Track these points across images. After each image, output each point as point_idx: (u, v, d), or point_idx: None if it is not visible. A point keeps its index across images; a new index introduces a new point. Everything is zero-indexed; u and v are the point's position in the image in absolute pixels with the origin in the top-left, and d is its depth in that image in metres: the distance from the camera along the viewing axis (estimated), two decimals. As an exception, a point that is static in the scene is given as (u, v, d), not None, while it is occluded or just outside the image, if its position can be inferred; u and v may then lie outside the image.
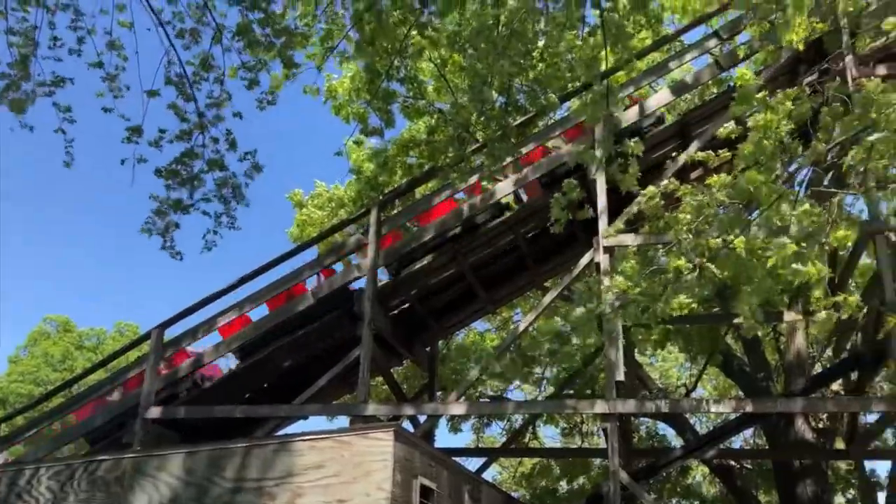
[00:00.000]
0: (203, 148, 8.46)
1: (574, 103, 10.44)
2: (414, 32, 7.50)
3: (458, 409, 10.95)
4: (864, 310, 9.83)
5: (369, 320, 11.13)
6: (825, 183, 11.06)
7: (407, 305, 13.49)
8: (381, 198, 12.96)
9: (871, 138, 4.90)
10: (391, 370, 14.33)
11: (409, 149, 17.08)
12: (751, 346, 15.48)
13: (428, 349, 14.64)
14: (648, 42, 14.72)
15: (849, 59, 9.63)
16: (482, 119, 12.01)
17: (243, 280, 12.06)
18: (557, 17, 9.90)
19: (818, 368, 16.84)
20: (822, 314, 5.32)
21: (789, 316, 11.86)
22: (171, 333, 12.46)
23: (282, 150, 66.32)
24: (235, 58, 8.20)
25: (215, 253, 12.02)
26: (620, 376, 9.73)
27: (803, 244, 5.19)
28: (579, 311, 7.88)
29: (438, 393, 14.95)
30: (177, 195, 8.53)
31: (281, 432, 13.74)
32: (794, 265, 5.11)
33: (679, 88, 11.72)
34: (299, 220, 18.88)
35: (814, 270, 5.16)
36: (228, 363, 13.89)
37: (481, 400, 19.55)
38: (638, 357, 19.65)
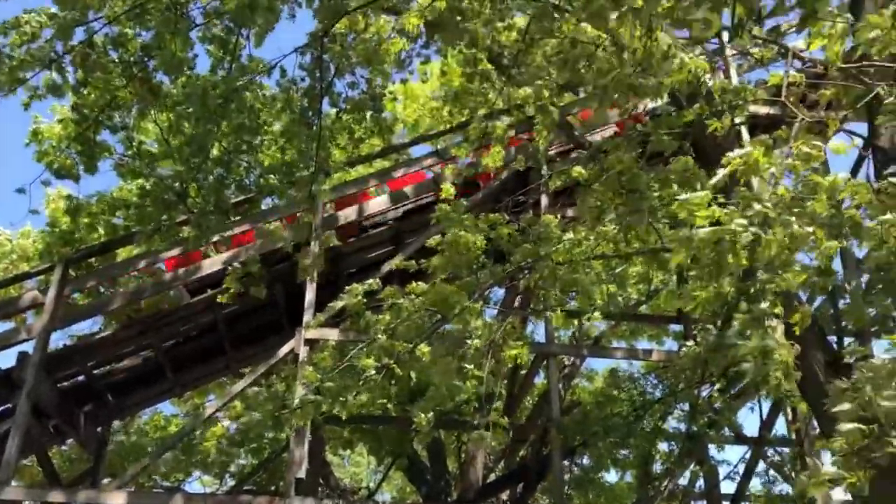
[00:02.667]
0: None
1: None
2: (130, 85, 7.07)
3: (118, 499, 9.89)
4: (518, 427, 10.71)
5: (29, 390, 9.82)
6: (516, 304, 12.12)
7: (83, 377, 12.19)
8: (70, 255, 11.77)
9: (538, 267, 5.43)
10: (48, 448, 12.69)
11: (116, 209, 15.87)
12: (435, 453, 16.00)
13: (99, 429, 13.24)
14: (378, 147, 15.37)
15: (544, 196, 10.79)
16: (200, 189, 11.53)
17: None
18: (286, 100, 9.96)
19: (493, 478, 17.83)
20: (477, 432, 5.61)
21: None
22: None
23: (-29, 187, 58.44)
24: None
25: None
26: (302, 473, 9.51)
27: (462, 360, 5.50)
28: (267, 403, 7.60)
29: (106, 480, 13.47)
30: None
31: None
32: (454, 381, 5.37)
33: (398, 198, 12.25)
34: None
35: (469, 386, 5.46)
36: None
37: (154, 490, 17.95)
38: (332, 457, 19.46)
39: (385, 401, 10.80)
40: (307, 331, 10.09)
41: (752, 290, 3.89)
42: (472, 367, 5.44)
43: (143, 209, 15.81)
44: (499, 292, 14.45)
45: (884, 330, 6.08)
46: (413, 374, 6.52)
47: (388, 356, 6.56)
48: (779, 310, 3.97)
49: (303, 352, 10.02)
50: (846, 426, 3.53)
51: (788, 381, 3.60)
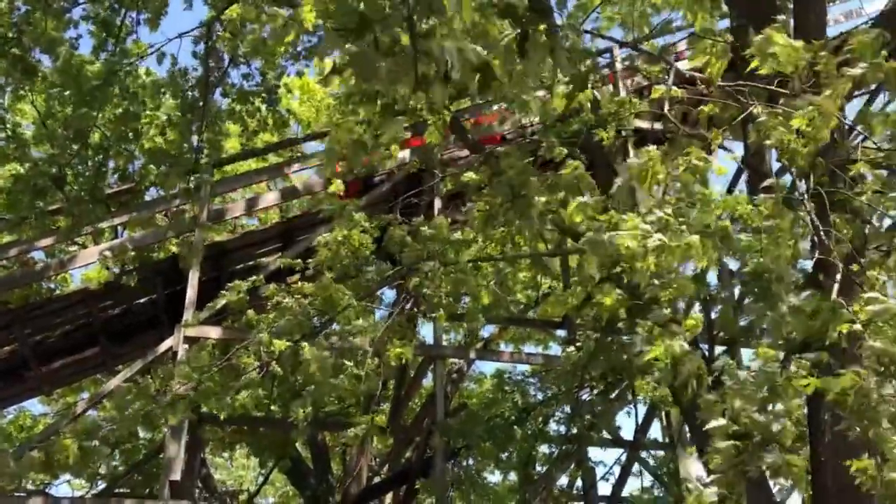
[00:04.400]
0: None
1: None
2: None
3: (-28, 502, 9.22)
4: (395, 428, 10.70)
5: None
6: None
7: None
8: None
9: (425, 268, 5.42)
10: None
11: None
12: (318, 455, 15.76)
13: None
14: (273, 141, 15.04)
15: (437, 199, 10.82)
16: (77, 177, 10.94)
17: None
18: (173, 87, 9.58)
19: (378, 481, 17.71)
20: (352, 431, 5.56)
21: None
22: None
23: None
24: None
25: None
26: (176, 476, 9.17)
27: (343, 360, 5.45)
28: (137, 402, 7.26)
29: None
30: None
31: None
32: (331, 379, 5.31)
33: (288, 193, 12.02)
34: None
35: (350, 385, 5.41)
36: None
37: (16, 494, 16.86)
38: (216, 459, 18.86)
39: (268, 401, 10.56)
40: (187, 328, 9.73)
41: (647, 298, 3.98)
42: (351, 365, 5.36)
43: (14, 195, 14.93)
44: (391, 293, 14.43)
45: (751, 339, 6.38)
46: (298, 375, 6.37)
47: (270, 355, 6.41)
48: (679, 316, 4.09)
49: (181, 349, 9.65)
50: (721, 444, 3.65)
51: (702, 385, 3.70)
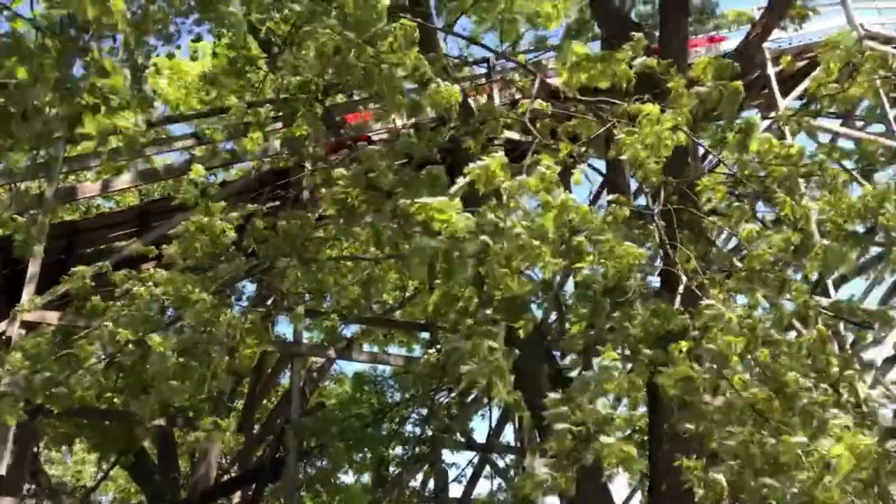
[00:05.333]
0: None
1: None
2: None
3: None
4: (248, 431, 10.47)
5: None
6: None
7: None
8: None
9: (281, 265, 5.29)
10: None
11: None
12: (165, 451, 15.11)
13: None
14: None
15: (306, 192, 10.62)
16: None
17: None
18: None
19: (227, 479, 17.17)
20: (193, 436, 5.36)
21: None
22: None
23: None
24: None
25: None
26: (2, 470, 8.55)
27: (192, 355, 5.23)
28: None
29: None
30: None
31: None
32: (174, 378, 5.09)
33: (148, 175, 11.46)
34: None
35: (193, 384, 5.21)
36: None
37: None
38: (52, 453, 17.66)
39: (111, 394, 9.99)
40: (24, 312, 9.06)
41: (481, 297, 4.04)
42: (196, 364, 5.14)
43: None
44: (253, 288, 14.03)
45: (598, 345, 6.58)
46: (143, 368, 6.03)
47: (113, 346, 6.04)
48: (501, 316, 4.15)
49: (16, 335, 8.99)
50: (558, 426, 3.80)
51: (504, 385, 3.77)
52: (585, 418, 3.80)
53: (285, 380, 15.31)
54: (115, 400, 12.79)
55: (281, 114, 9.04)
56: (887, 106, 15.73)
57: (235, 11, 6.17)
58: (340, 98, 11.29)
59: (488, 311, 3.93)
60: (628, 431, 9.30)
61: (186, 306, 5.61)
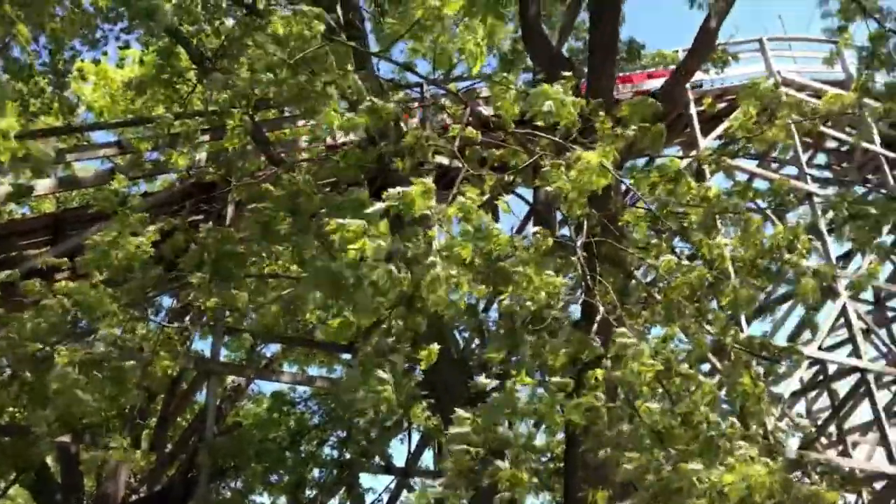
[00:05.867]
0: None
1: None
2: None
3: None
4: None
5: None
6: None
7: None
8: None
9: (194, 279, 5.20)
10: None
11: None
12: (68, 468, 14.47)
13: None
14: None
15: (231, 207, 10.45)
16: None
17: None
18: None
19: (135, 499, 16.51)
20: (101, 451, 5.18)
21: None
22: None
23: None
24: None
25: None
26: None
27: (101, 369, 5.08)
28: None
29: None
30: None
31: None
32: (80, 391, 4.92)
33: (67, 182, 11.09)
34: None
35: (98, 399, 5.05)
36: None
37: None
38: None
39: (12, 408, 9.55)
40: None
41: (383, 326, 4.03)
42: (101, 378, 4.97)
43: None
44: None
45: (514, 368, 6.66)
46: (47, 382, 5.79)
47: (16, 357, 5.79)
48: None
49: None
50: (456, 447, 3.82)
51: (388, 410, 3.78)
52: (486, 439, 3.84)
53: (202, 397, 14.92)
54: (17, 414, 12.23)
55: (209, 127, 8.90)
56: (800, 149, 16.50)
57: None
58: (273, 114, 11.17)
59: (390, 340, 3.92)
60: (545, 458, 9.41)
61: (98, 319, 5.43)
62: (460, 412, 4.31)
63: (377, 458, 10.86)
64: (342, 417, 9.85)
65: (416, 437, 11.56)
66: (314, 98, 4.78)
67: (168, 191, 10.89)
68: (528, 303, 4.50)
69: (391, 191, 3.73)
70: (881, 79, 10.96)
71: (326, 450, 10.99)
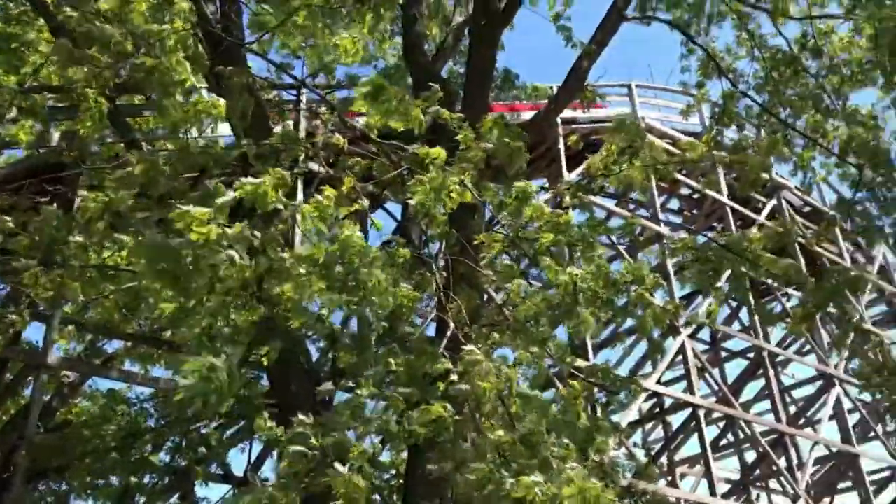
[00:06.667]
0: None
1: None
2: None
3: None
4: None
5: None
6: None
7: None
8: None
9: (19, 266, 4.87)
10: None
11: None
12: None
13: None
14: None
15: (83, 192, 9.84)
16: None
17: None
18: None
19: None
20: None
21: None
22: None
23: None
24: None
25: None
26: None
27: None
28: None
29: None
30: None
31: None
32: None
33: None
34: None
35: None
36: None
37: None
38: None
39: None
40: None
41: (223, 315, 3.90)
42: None
43: None
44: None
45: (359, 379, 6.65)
46: None
47: None
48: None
49: None
50: (292, 449, 3.76)
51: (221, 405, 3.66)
52: (323, 445, 3.80)
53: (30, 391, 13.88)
54: None
55: (62, 105, 8.39)
56: (656, 193, 17.46)
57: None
58: (140, 100, 10.64)
59: (227, 330, 3.79)
60: (388, 475, 9.37)
61: None
62: (301, 416, 4.24)
63: (215, 466, 10.45)
64: (181, 421, 9.42)
65: (257, 447, 11.23)
66: (174, 85, 4.58)
67: (11, 166, 10.14)
68: (380, 311, 4.49)
69: (243, 180, 3.61)
70: (731, 134, 11.82)
71: (162, 455, 10.44)
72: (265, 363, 5.79)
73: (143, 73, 4.66)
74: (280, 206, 3.63)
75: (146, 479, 10.18)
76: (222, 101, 4.54)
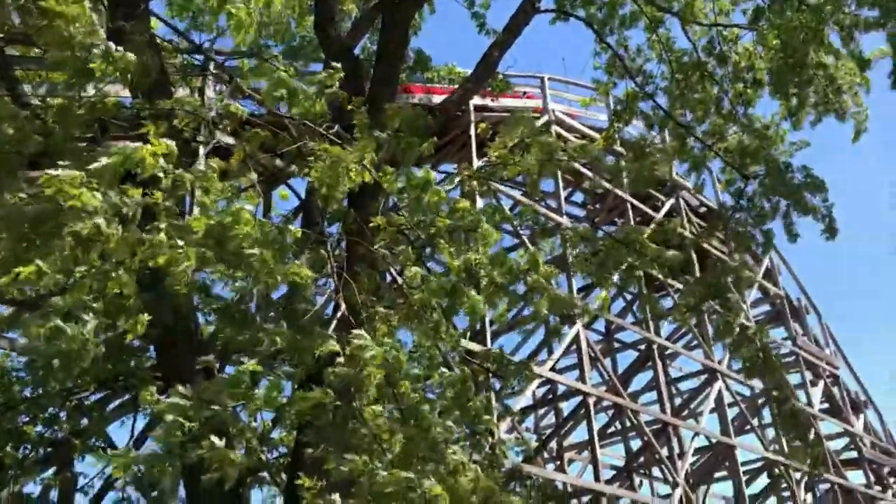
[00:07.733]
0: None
1: None
2: None
3: None
4: None
5: None
6: None
7: None
8: None
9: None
10: None
11: None
12: None
13: None
14: None
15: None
16: None
17: None
18: None
19: None
20: None
21: None
22: None
23: None
24: None
25: None
26: None
27: None
28: None
29: None
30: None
31: None
32: None
33: None
34: None
35: None
36: None
37: None
38: None
39: None
40: None
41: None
42: None
43: None
44: None
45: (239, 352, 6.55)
46: None
47: None
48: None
49: None
50: (169, 417, 3.68)
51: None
52: (197, 416, 3.72)
53: None
54: None
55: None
56: (560, 185, 17.79)
57: None
58: (37, 53, 10.05)
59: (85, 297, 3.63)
60: (278, 452, 9.24)
61: None
62: (179, 387, 4.13)
63: (94, 440, 10.04)
64: (60, 392, 8.99)
65: (142, 421, 10.87)
66: (62, 40, 4.31)
67: None
68: (267, 288, 4.40)
69: (120, 144, 3.44)
70: (635, 132, 12.15)
71: (39, 427, 9.95)
72: (152, 335, 5.60)
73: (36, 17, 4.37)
74: (160, 175, 3.48)
75: (20, 451, 9.70)
76: (132, 56, 4.30)
